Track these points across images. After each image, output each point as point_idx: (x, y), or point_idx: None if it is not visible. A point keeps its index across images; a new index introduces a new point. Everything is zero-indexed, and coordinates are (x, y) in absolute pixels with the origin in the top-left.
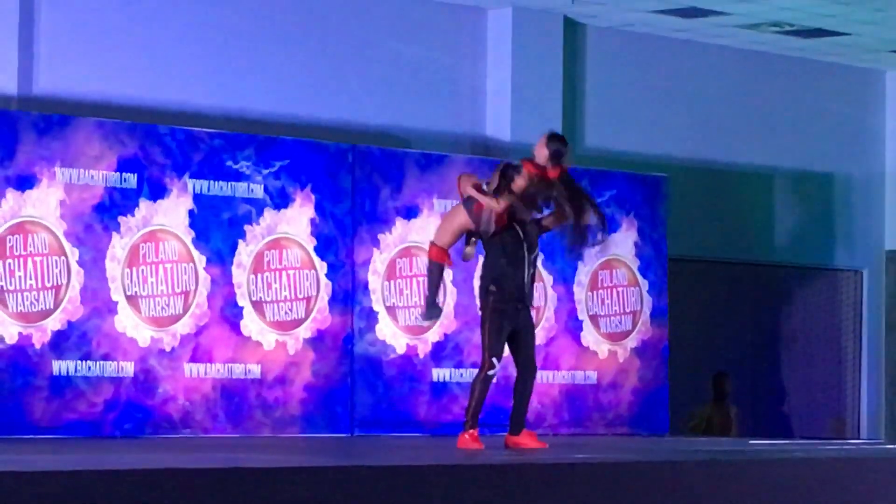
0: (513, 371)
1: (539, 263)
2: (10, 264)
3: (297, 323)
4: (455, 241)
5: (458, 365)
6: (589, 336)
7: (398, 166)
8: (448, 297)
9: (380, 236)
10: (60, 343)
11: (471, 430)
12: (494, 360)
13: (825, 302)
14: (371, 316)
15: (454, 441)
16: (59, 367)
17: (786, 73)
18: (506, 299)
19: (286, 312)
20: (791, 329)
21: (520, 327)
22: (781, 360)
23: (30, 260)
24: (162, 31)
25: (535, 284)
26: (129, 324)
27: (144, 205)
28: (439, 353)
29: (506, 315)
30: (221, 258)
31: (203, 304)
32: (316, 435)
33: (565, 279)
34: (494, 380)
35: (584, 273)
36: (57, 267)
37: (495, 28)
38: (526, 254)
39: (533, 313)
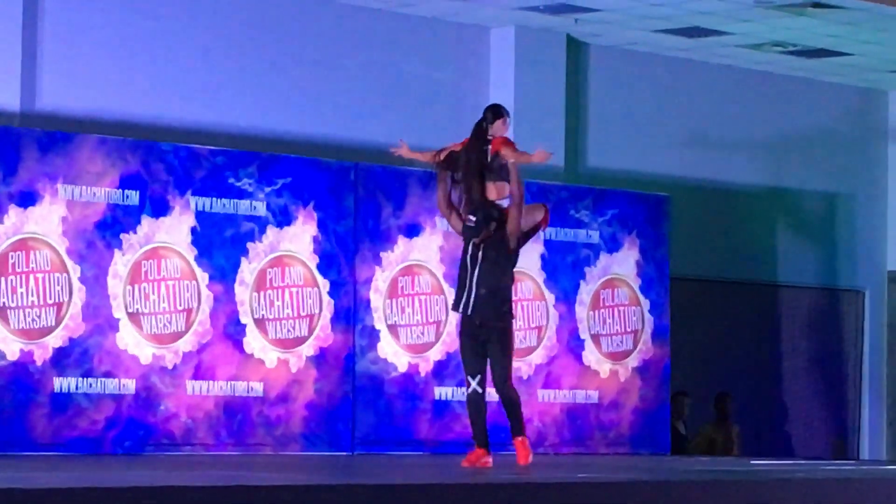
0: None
1: (507, 267)
2: (11, 281)
3: (300, 341)
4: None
5: (460, 384)
6: (590, 355)
7: (401, 184)
8: (450, 317)
9: (382, 254)
10: (62, 360)
11: (477, 449)
12: (469, 378)
13: (827, 322)
14: (373, 334)
15: (456, 459)
16: (61, 383)
17: (788, 92)
18: (462, 317)
19: (288, 330)
20: (793, 349)
21: (484, 343)
22: (783, 380)
23: (31, 276)
24: (165, 49)
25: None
26: (131, 341)
27: (147, 222)
28: (441, 371)
29: (467, 334)
30: (224, 276)
31: (205, 322)
32: (317, 453)
33: (567, 298)
34: (486, 397)
35: (585, 292)
36: (59, 284)
37: (498, 46)
38: (478, 260)
39: (534, 333)
